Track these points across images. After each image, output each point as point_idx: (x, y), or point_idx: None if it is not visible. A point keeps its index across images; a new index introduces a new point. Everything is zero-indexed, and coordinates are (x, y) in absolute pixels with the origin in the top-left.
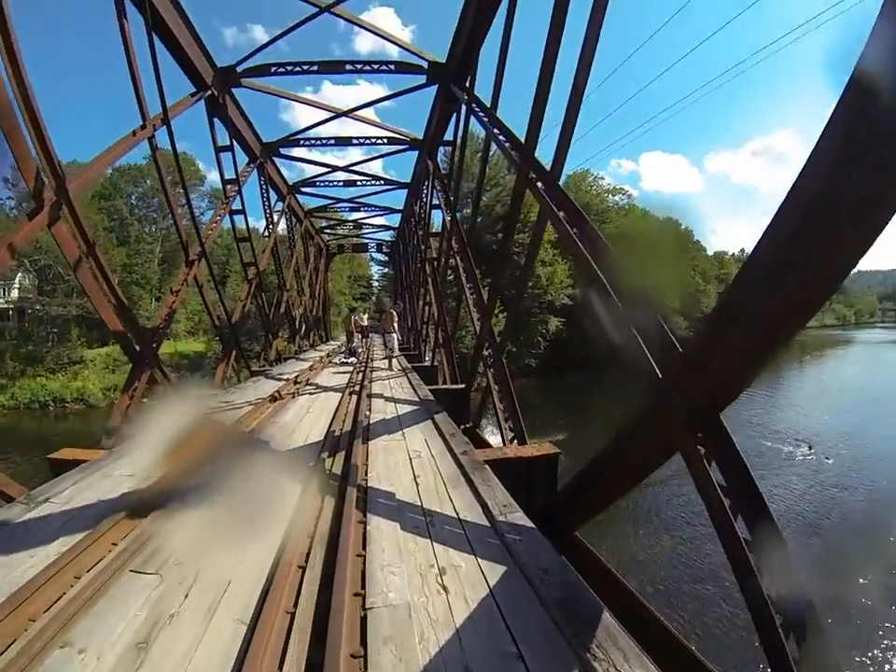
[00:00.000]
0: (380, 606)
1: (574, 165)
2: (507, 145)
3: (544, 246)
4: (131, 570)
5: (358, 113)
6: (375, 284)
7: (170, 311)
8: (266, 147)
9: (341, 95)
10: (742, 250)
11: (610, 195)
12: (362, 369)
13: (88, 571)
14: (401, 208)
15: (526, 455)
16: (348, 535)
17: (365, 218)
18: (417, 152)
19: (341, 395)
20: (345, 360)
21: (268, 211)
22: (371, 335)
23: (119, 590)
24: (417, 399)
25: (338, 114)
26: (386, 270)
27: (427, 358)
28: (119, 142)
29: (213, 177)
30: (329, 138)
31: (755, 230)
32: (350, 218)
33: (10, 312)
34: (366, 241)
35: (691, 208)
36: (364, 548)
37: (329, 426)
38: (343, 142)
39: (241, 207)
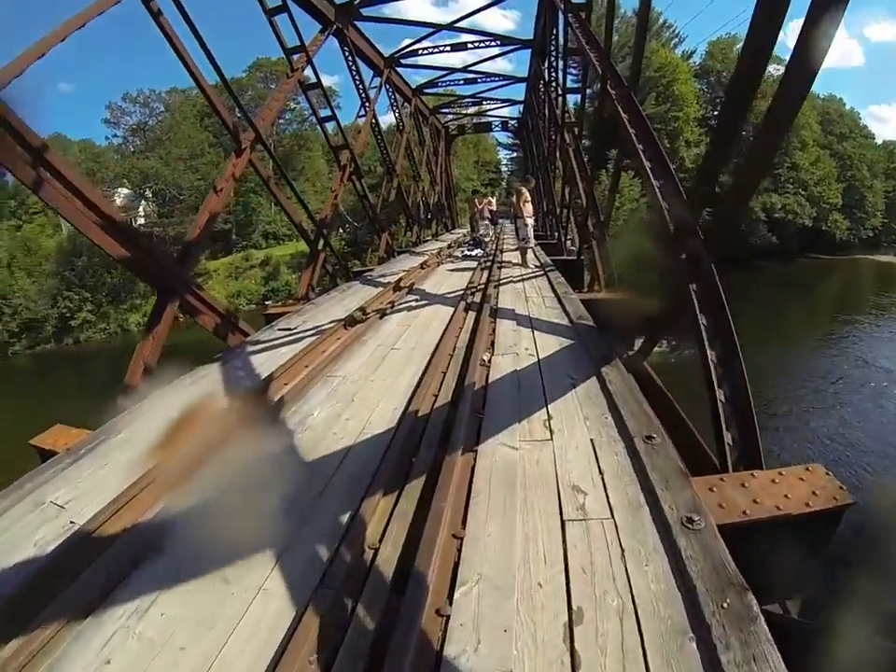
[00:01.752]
0: None
1: (705, 35)
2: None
3: (690, 125)
4: None
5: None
6: (504, 169)
7: (210, 217)
8: (342, 8)
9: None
10: None
11: None
12: (488, 265)
13: None
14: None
15: (796, 513)
16: None
17: (484, 91)
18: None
19: (452, 311)
20: (468, 253)
21: (359, 83)
22: (501, 221)
23: None
24: (567, 323)
25: (447, 27)
26: (515, 154)
27: (570, 248)
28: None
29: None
30: (445, 45)
31: None
32: (467, 94)
33: None
34: (489, 119)
35: (851, 88)
36: None
37: (415, 388)
38: (458, 48)
39: (316, 81)
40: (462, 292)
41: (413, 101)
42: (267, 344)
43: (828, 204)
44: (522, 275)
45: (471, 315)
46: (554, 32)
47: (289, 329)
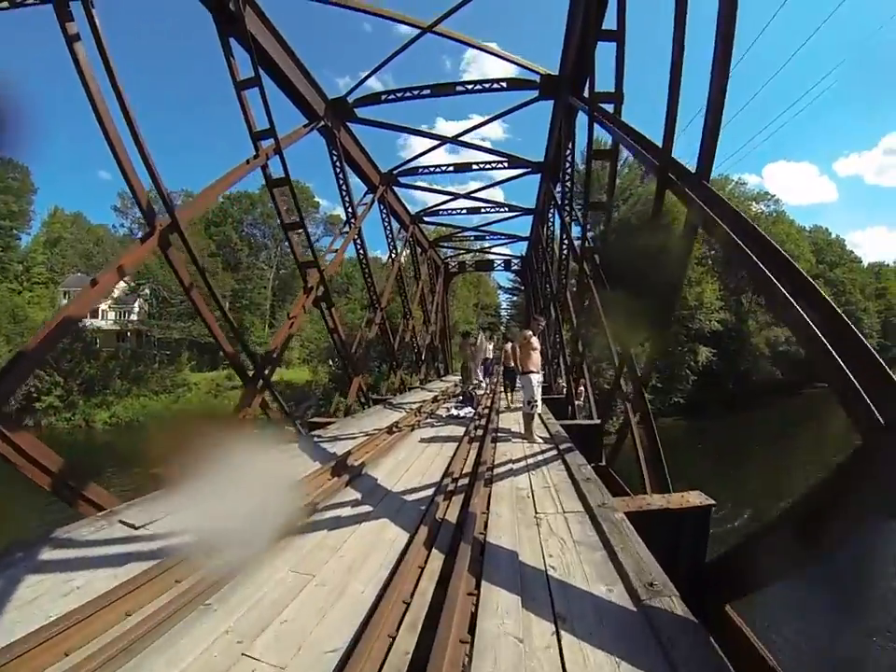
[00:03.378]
0: None
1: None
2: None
3: (691, 265)
4: None
5: (474, 141)
6: (504, 313)
7: (61, 322)
8: (335, 104)
9: (455, 129)
10: None
11: (755, 202)
12: (480, 433)
13: None
14: (527, 235)
15: None
16: None
17: (488, 224)
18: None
19: (405, 542)
20: (455, 413)
21: (345, 192)
22: (497, 369)
23: None
24: (630, 605)
25: (451, 140)
26: (515, 298)
27: (577, 404)
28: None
29: (325, 205)
30: (448, 165)
31: None
32: (469, 225)
33: (128, 334)
34: (491, 257)
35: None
36: None
37: None
38: (462, 168)
39: (284, 175)
40: (433, 491)
41: (412, 228)
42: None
43: None
44: (526, 457)
45: (436, 558)
46: (570, 146)
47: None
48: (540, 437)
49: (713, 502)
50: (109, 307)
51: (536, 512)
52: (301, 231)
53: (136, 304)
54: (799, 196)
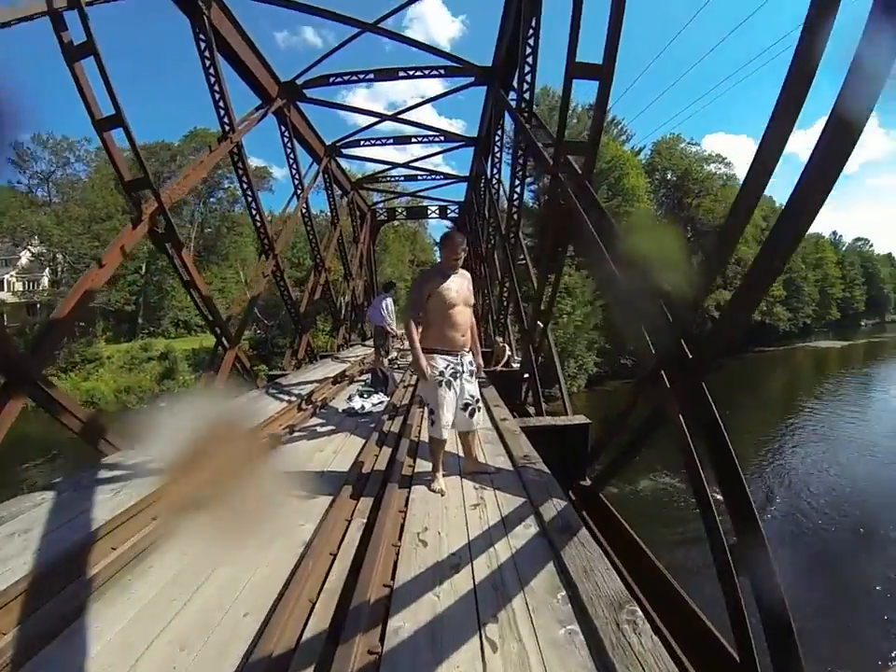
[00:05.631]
0: None
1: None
2: None
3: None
4: None
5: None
6: None
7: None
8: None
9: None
10: (834, 233)
11: (705, 163)
12: (384, 462)
13: None
14: (466, 175)
15: None
16: None
17: (418, 160)
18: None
19: None
20: (357, 405)
21: (222, 108)
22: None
23: None
24: None
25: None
26: None
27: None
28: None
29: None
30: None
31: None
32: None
33: (38, 306)
34: (426, 203)
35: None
36: None
37: None
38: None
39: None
40: None
41: (325, 161)
42: None
43: (772, 297)
44: (469, 547)
45: None
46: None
47: None
48: (492, 471)
49: None
50: (16, 277)
51: None
52: (122, 128)
53: (46, 273)
54: (741, 171)
